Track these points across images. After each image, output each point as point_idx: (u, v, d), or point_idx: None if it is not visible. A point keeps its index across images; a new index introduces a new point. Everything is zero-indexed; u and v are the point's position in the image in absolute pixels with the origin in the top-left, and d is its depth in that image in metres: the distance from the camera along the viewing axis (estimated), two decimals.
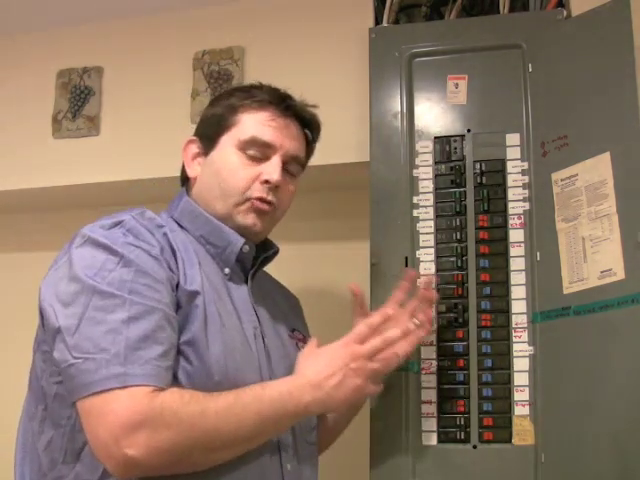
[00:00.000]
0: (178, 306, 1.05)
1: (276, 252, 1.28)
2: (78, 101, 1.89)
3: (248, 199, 1.17)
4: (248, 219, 1.18)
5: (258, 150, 1.18)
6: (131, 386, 0.95)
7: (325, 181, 1.75)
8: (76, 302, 0.99)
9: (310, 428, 1.20)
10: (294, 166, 1.23)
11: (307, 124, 1.26)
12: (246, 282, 1.20)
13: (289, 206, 1.25)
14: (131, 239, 1.05)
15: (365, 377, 1.06)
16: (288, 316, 1.30)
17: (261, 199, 1.17)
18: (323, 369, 1.05)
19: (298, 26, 1.76)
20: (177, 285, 1.06)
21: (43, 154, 1.89)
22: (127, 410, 0.93)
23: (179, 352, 1.02)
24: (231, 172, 1.17)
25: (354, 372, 1.05)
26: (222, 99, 1.25)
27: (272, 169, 1.17)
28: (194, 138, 1.24)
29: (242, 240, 1.17)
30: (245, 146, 1.18)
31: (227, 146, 1.19)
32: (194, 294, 1.06)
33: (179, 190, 1.26)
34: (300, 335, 1.28)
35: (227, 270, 1.17)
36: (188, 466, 0.99)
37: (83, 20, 1.90)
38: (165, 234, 1.10)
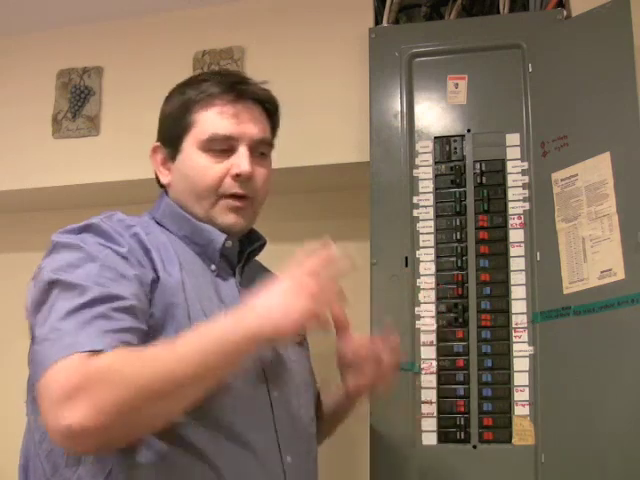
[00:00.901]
0: (160, 304, 1.04)
1: (263, 244, 1.27)
2: (78, 101, 1.89)
3: (222, 196, 1.16)
4: (228, 219, 1.17)
5: (221, 145, 1.17)
6: (76, 353, 0.91)
7: (325, 181, 1.75)
8: (45, 300, 0.99)
9: (309, 419, 1.19)
10: (263, 147, 1.21)
11: (263, 102, 1.23)
12: (234, 276, 1.20)
13: (268, 189, 1.23)
14: (100, 240, 1.05)
15: (311, 297, 0.99)
16: None
17: (234, 196, 1.17)
18: (268, 297, 1.00)
19: (298, 26, 1.76)
20: (157, 281, 1.05)
21: (43, 154, 1.88)
22: (66, 377, 0.89)
23: None
24: (199, 174, 1.17)
25: (298, 293, 0.99)
26: (174, 96, 1.23)
27: (240, 161, 1.16)
28: (158, 144, 1.23)
29: (224, 236, 1.17)
30: (207, 145, 1.17)
31: (190, 149, 1.18)
32: (174, 292, 1.06)
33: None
34: None
35: (213, 267, 1.17)
36: (142, 424, 0.94)
37: (83, 20, 1.90)
38: (135, 234, 1.09)
